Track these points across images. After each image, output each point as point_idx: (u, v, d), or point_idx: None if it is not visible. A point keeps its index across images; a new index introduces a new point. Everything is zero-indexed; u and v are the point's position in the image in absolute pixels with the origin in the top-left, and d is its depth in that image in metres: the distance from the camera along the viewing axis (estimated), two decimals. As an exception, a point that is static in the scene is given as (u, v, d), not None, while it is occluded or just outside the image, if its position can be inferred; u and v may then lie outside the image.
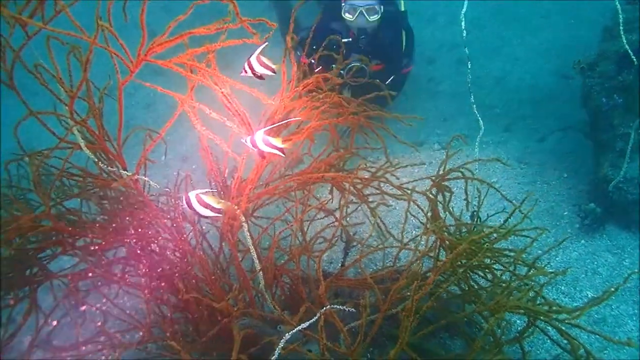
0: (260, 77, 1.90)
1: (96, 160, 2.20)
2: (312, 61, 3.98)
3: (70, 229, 2.46)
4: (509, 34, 6.41)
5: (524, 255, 2.23)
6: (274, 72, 1.89)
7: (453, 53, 6.21)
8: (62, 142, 2.12)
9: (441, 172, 2.59)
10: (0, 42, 1.77)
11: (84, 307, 2.66)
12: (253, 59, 1.81)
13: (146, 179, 2.30)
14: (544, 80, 5.46)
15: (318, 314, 1.83)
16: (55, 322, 2.57)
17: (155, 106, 5.95)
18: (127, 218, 2.66)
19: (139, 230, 2.63)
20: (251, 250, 2.48)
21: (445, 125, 5.06)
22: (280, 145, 1.89)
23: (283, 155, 1.99)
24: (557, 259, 3.28)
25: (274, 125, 2.21)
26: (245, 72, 1.86)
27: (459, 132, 4.87)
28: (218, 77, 1.94)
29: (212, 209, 1.91)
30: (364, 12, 4.17)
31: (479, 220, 2.73)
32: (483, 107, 5.17)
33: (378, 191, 2.80)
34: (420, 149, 4.67)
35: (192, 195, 1.86)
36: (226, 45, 1.80)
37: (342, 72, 4.15)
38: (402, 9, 4.76)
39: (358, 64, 3.96)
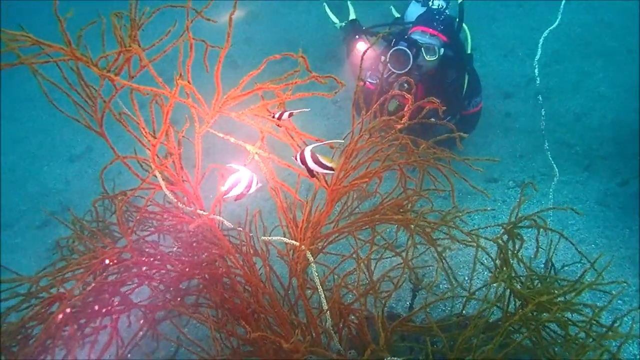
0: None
1: (175, 201, 2.33)
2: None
3: (148, 261, 2.61)
4: (592, 68, 6.18)
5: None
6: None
7: (531, 87, 6.06)
8: (145, 183, 2.26)
9: (513, 217, 2.53)
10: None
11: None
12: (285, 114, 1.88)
13: (220, 218, 2.40)
14: (628, 118, 5.21)
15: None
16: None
17: (233, 134, 6.18)
18: (202, 253, 2.79)
19: (212, 264, 2.74)
20: (318, 290, 2.51)
21: (521, 162, 4.92)
22: (329, 164, 1.91)
23: (333, 172, 2.01)
24: (638, 311, 3.10)
25: (318, 144, 2.19)
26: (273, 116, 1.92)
27: (535, 170, 4.74)
28: (288, 127, 2.02)
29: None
30: (422, 50, 4.19)
31: (553, 269, 2.64)
32: (561, 145, 5.01)
33: (446, 234, 2.77)
34: (494, 187, 4.57)
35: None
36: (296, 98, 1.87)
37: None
38: (469, 51, 4.72)
39: (404, 48, 4.01)
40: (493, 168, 4.83)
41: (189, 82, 1.71)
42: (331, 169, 1.93)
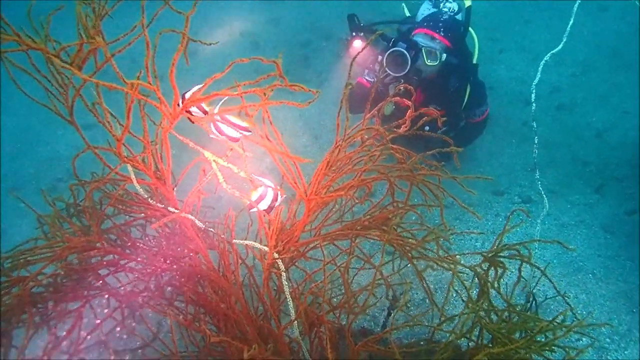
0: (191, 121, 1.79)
1: (147, 196, 2.27)
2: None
3: (119, 250, 2.57)
4: (621, 82, 5.90)
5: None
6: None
7: (554, 97, 5.82)
8: (115, 174, 2.20)
9: (506, 240, 2.39)
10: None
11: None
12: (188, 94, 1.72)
13: (191, 217, 2.32)
14: (652, 140, 4.97)
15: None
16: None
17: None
18: (177, 247, 2.74)
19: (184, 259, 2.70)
20: (288, 299, 2.44)
21: (532, 176, 4.70)
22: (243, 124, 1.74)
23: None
24: (626, 352, 2.95)
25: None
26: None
27: (544, 186, 4.53)
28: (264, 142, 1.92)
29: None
30: (423, 53, 4.00)
31: (534, 303, 2.51)
32: (577, 162, 4.80)
33: (423, 256, 2.65)
34: (499, 200, 4.40)
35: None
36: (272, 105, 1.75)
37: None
38: (475, 61, 4.48)
39: (403, 50, 3.82)
40: (502, 179, 4.66)
41: (149, 82, 1.63)
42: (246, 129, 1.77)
